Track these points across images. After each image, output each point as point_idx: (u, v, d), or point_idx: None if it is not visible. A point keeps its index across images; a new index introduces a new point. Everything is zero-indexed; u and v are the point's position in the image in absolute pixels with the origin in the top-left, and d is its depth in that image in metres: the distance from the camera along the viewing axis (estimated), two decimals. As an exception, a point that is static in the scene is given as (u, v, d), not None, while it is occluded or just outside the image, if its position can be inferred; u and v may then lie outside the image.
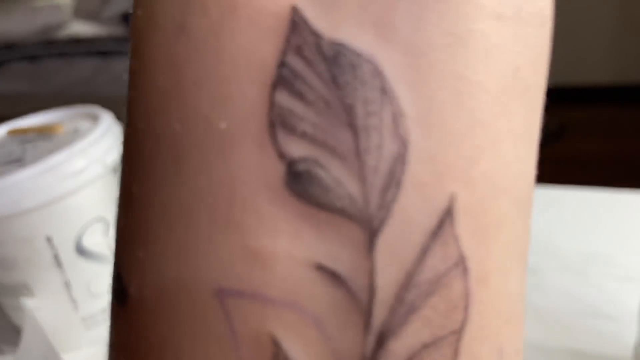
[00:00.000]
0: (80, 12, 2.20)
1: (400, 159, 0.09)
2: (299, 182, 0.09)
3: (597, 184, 0.58)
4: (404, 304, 0.09)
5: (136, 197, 0.10)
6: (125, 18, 2.04)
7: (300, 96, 0.09)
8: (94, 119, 0.45)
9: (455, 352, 0.09)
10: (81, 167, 0.39)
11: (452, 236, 0.09)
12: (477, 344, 0.09)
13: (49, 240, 0.39)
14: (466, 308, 0.09)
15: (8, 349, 0.46)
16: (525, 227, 0.10)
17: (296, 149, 0.09)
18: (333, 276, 0.09)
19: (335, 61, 0.09)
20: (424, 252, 0.09)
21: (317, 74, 0.09)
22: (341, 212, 0.09)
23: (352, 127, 0.09)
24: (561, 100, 2.22)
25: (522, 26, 0.09)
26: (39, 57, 2.09)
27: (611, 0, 2.08)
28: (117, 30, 2.03)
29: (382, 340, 0.09)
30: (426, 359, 0.09)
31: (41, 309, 0.41)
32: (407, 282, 0.09)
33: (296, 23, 0.09)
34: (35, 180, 0.37)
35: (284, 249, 0.09)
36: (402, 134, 0.09)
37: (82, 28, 2.12)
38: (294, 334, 0.09)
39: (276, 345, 0.09)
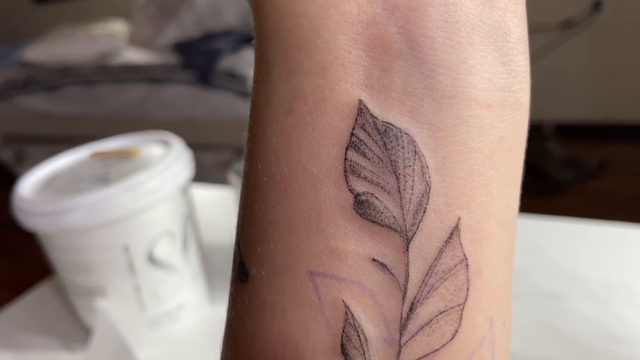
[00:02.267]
0: (135, 41, 2.30)
1: (425, 194, 0.13)
2: (362, 207, 0.13)
3: (633, 220, 0.60)
4: (427, 285, 0.13)
5: (256, 212, 0.15)
6: (176, 48, 2.11)
7: (363, 154, 0.13)
8: (167, 144, 0.50)
9: (460, 317, 0.14)
10: (157, 186, 0.44)
11: (458, 243, 0.14)
12: (474, 313, 0.14)
13: (125, 249, 0.44)
14: (467, 290, 0.14)
15: (78, 347, 0.50)
16: (510, 240, 0.15)
17: (360, 186, 0.13)
18: (382, 266, 0.14)
19: (385, 133, 0.13)
20: (440, 252, 0.13)
21: (374, 141, 0.13)
22: (388, 227, 0.13)
23: (396, 174, 0.13)
24: (601, 137, 2.20)
25: (504, 110, 0.14)
26: (93, 82, 2.17)
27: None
28: (168, 58, 2.10)
29: (413, 307, 0.13)
30: (441, 321, 0.14)
31: (113, 309, 0.46)
32: (429, 271, 0.13)
33: (361, 110, 0.13)
34: (118, 196, 0.42)
35: (352, 248, 0.14)
36: (426, 179, 0.13)
37: (135, 56, 2.21)
38: (357, 301, 0.14)
39: (346, 307, 0.14)
